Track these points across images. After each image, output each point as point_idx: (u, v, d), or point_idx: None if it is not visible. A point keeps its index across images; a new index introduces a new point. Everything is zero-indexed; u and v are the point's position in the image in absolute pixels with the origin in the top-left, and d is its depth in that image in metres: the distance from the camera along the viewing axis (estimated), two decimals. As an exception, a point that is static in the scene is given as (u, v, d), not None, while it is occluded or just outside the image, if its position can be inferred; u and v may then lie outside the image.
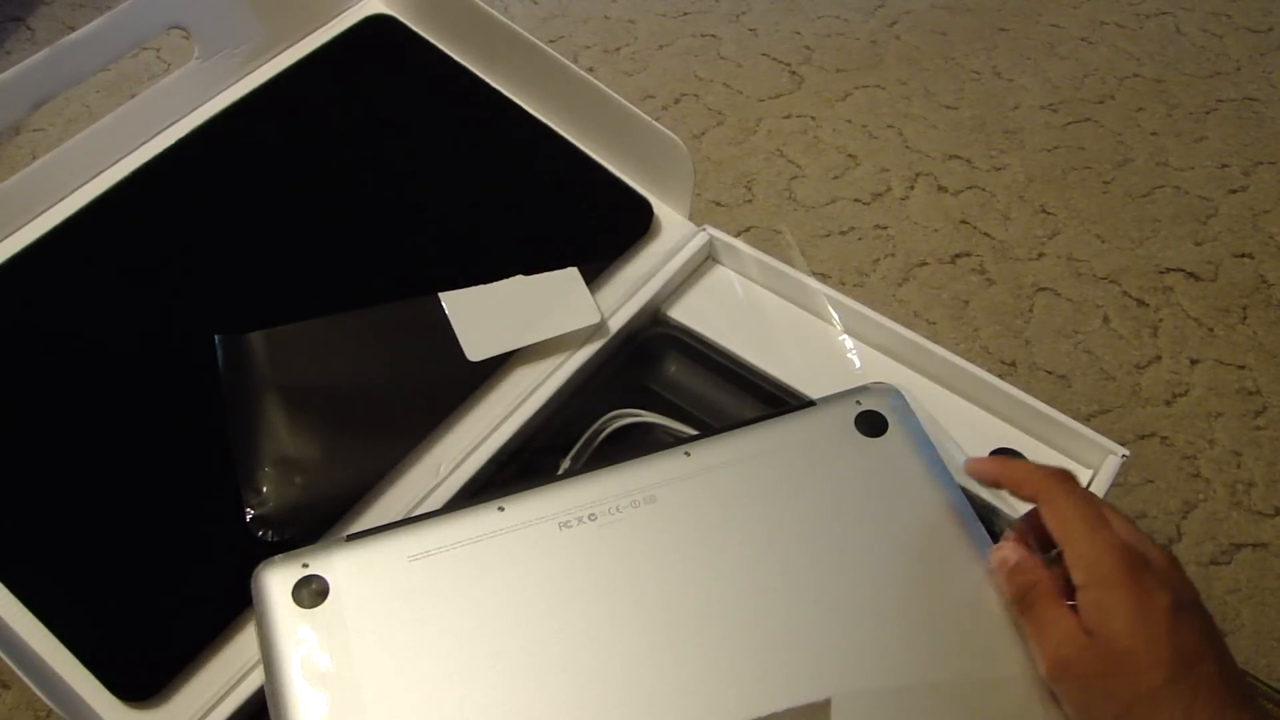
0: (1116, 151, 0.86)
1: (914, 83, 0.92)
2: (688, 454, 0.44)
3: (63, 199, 0.56)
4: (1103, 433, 0.51)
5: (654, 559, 0.41)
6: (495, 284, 0.55)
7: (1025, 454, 0.53)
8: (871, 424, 0.46)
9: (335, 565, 0.41)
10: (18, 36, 1.01)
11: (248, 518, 0.47)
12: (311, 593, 0.40)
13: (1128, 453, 0.49)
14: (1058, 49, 0.96)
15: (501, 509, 0.43)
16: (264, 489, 0.48)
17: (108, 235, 0.55)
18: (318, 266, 0.56)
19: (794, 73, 0.93)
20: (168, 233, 0.56)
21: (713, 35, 0.97)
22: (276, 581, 0.41)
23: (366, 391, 0.52)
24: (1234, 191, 0.83)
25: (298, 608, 0.40)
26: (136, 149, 0.58)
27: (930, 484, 0.44)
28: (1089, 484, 0.50)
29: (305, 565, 0.41)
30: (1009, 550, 0.41)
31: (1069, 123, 0.89)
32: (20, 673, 0.41)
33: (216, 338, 0.52)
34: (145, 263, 0.55)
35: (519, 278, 0.56)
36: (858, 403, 0.46)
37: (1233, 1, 1.00)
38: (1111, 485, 0.48)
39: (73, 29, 0.54)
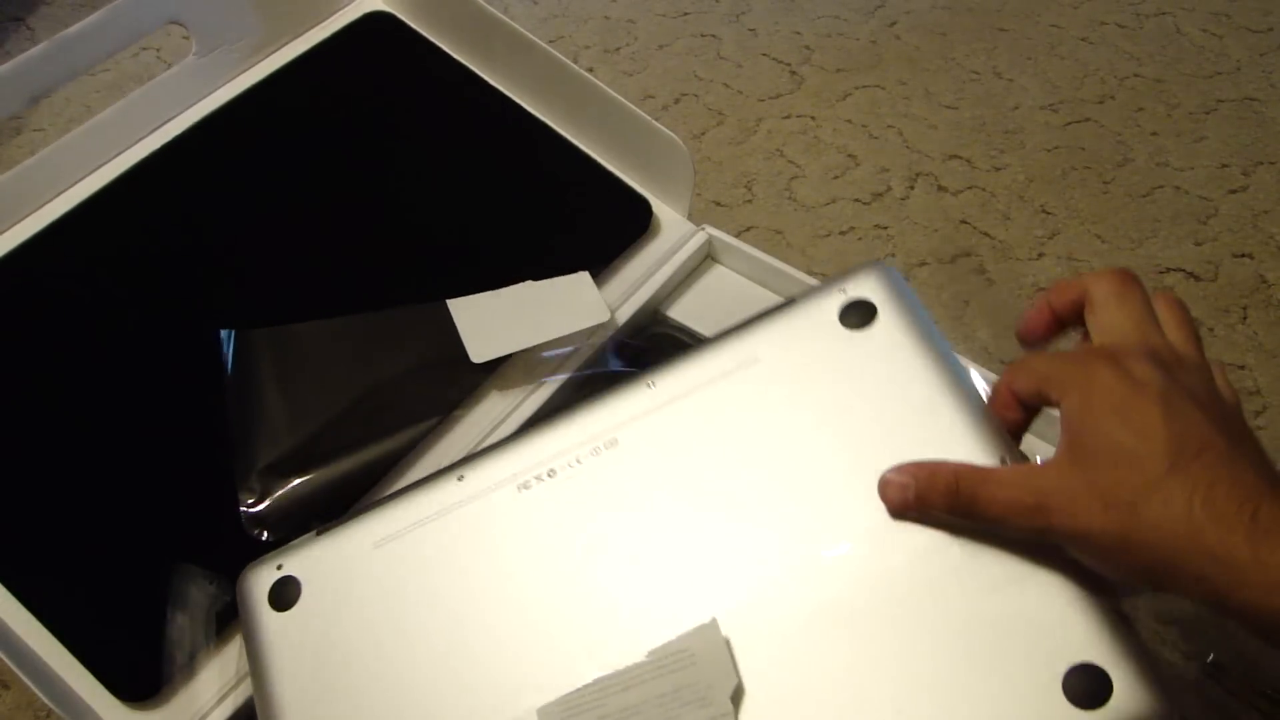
0: (1116, 151, 0.86)
1: (914, 83, 0.92)
2: (650, 384, 0.40)
3: (61, 193, 0.56)
4: (1104, 432, 0.51)
5: (619, 508, 0.38)
6: (503, 290, 0.55)
7: (1025, 452, 0.53)
8: (859, 315, 0.40)
9: (306, 563, 0.40)
10: (18, 36, 1.01)
11: (243, 517, 0.47)
12: (286, 594, 0.40)
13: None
14: (1058, 49, 0.96)
15: (461, 478, 0.41)
16: (261, 488, 0.48)
17: (106, 230, 0.55)
18: (313, 263, 0.56)
19: (794, 73, 0.93)
20: (165, 228, 0.56)
21: (713, 35, 0.97)
22: (254, 586, 0.41)
23: (367, 392, 0.52)
24: (1234, 191, 0.83)
25: (275, 611, 0.40)
26: (135, 144, 0.58)
27: (930, 370, 0.38)
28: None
29: (279, 567, 0.41)
30: (892, 475, 0.36)
31: (1069, 123, 0.89)
32: (20, 673, 0.41)
33: (224, 332, 0.52)
34: (143, 258, 0.55)
35: (528, 284, 0.55)
36: (842, 291, 0.41)
37: (1233, 1, 1.00)
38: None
39: (72, 27, 0.54)
